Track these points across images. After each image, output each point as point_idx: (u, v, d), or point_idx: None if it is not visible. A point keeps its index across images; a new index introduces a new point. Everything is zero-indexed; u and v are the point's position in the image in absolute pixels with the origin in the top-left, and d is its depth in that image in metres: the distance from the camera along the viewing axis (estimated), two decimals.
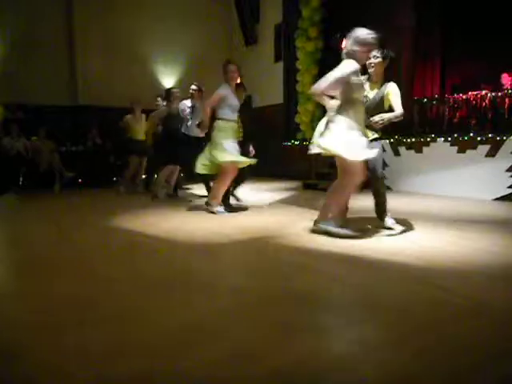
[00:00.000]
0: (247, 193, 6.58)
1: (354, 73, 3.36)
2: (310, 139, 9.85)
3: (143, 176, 7.98)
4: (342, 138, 3.36)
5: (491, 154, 6.14)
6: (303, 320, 2.02)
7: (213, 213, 4.90)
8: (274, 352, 1.72)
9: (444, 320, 2.03)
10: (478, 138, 6.28)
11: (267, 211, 5.28)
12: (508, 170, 5.95)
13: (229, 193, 5.38)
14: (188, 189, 7.85)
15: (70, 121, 9.83)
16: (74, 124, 9.87)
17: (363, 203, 4.63)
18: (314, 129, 10.34)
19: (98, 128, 9.49)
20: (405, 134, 7.18)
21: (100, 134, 9.52)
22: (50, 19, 9.76)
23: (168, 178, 6.57)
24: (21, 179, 8.23)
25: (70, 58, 10.09)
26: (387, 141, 7.26)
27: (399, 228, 3.87)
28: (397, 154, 7.41)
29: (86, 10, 9.93)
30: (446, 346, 1.77)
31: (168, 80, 11.22)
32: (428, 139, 6.92)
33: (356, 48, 3.35)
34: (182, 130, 6.27)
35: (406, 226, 4.08)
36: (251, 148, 5.87)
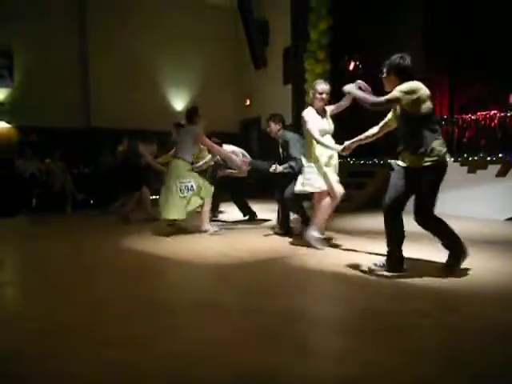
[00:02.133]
0: (257, 212, 6.57)
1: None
2: None
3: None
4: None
5: (502, 173, 6.10)
6: (314, 342, 2.00)
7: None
8: (284, 374, 1.71)
9: (452, 342, 1.99)
10: (488, 158, 6.26)
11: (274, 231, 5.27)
12: None
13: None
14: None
15: (83, 143, 10.00)
16: (86, 146, 10.03)
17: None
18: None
19: (110, 150, 9.62)
20: None
21: (112, 155, 9.65)
22: (64, 44, 10.05)
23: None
24: (34, 201, 8.34)
25: (83, 82, 10.33)
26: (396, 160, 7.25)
27: None
28: None
29: (99, 34, 10.20)
30: (452, 370, 1.74)
31: (179, 103, 11.41)
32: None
33: None
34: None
35: (417, 245, 4.04)
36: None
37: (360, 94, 3.19)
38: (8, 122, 9.49)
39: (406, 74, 3.05)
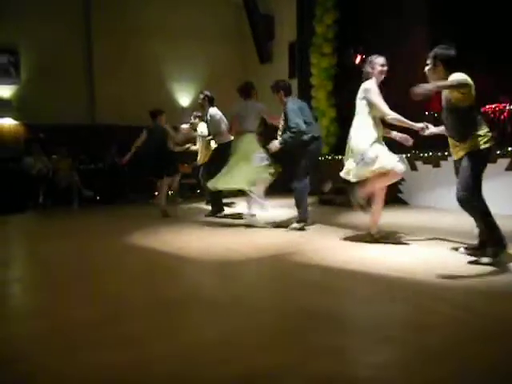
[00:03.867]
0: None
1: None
2: (326, 154, 9.71)
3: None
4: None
5: (511, 167, 6.01)
6: (321, 341, 1.98)
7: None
8: (290, 375, 1.68)
9: (465, 341, 1.96)
10: (498, 152, 6.17)
11: (281, 228, 5.24)
12: None
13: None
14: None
15: (89, 139, 10.01)
16: (92, 142, 10.05)
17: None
18: (329, 144, 10.27)
19: (116, 146, 9.63)
20: (422, 148, 7.10)
21: (119, 152, 9.66)
22: (70, 41, 10.05)
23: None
24: (41, 197, 8.39)
25: (88, 78, 10.33)
26: (403, 155, 7.19)
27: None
28: (414, 168, 7.32)
29: (104, 31, 10.19)
30: (466, 368, 1.70)
31: (184, 98, 11.38)
32: (446, 153, 6.82)
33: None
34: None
35: (426, 241, 4.00)
36: None
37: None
38: (15, 119, 9.54)
39: (454, 65, 3.12)
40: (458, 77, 3.06)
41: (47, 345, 2.02)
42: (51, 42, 9.70)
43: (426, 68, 3.28)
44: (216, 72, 11.41)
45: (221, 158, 5.67)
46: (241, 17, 11.63)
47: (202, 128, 7.24)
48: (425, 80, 3.24)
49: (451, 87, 3.08)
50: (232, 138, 5.77)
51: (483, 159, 3.19)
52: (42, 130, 9.19)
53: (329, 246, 4.01)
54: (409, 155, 7.29)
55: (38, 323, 2.33)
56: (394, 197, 7.32)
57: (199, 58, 11.27)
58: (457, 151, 3.28)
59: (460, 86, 3.04)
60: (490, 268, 3.07)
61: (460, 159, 3.26)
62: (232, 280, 3.16)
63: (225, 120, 6.23)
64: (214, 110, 6.35)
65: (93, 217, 7.36)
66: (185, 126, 7.20)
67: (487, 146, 3.14)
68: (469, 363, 1.72)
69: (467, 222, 3.42)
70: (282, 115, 4.96)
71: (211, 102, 6.45)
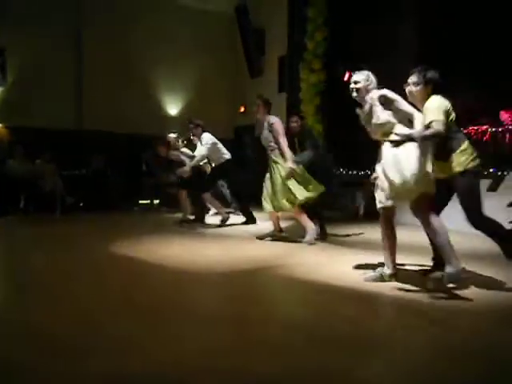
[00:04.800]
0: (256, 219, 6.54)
1: None
2: None
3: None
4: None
5: (492, 188, 6.13)
6: (307, 358, 1.96)
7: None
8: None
9: (439, 359, 1.97)
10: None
11: (272, 239, 5.22)
12: (509, 205, 5.92)
13: None
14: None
15: (75, 145, 9.91)
16: (78, 148, 9.94)
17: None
18: None
19: (101, 153, 9.54)
20: None
21: (104, 159, 9.57)
22: (58, 45, 9.97)
23: None
24: (22, 202, 8.23)
25: (76, 84, 10.26)
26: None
27: None
28: None
29: (94, 36, 10.15)
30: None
31: (173, 108, 11.38)
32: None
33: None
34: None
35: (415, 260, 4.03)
36: None
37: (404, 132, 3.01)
38: None
39: (439, 89, 3.15)
40: (434, 103, 3.05)
41: (24, 354, 1.96)
42: (39, 44, 9.61)
43: (413, 87, 3.21)
44: (205, 84, 11.45)
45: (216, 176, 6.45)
46: (232, 30, 11.74)
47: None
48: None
49: (431, 136, 2.96)
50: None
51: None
52: (27, 133, 9.06)
53: (316, 260, 4.01)
54: None
55: (12, 332, 2.26)
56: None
57: (189, 69, 11.31)
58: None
59: (437, 135, 2.96)
60: (476, 286, 3.10)
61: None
62: (219, 292, 3.13)
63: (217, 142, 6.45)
64: (208, 136, 6.43)
65: (75, 224, 7.25)
66: (172, 136, 7.16)
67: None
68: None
69: (458, 242, 3.46)
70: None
71: (203, 128, 6.54)
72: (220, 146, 6.44)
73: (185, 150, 7.12)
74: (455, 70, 7.28)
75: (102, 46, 10.18)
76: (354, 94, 3.27)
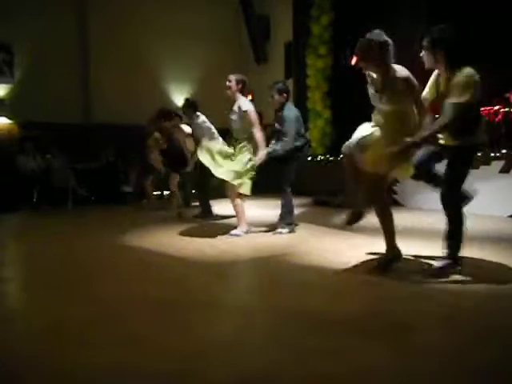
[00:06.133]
0: (256, 210, 6.55)
1: None
2: (321, 155, 9.69)
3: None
4: None
5: (505, 170, 6.05)
6: (316, 342, 1.97)
7: None
8: (285, 376, 1.68)
9: (457, 341, 1.96)
10: (492, 154, 6.19)
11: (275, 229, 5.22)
12: (502, 171, 5.84)
13: None
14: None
15: (84, 138, 9.97)
16: (87, 141, 10.00)
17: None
18: (324, 145, 10.26)
19: (112, 145, 9.58)
20: None
21: (114, 151, 9.62)
22: (65, 39, 9.98)
23: None
24: (35, 196, 8.33)
25: (83, 77, 10.28)
26: None
27: None
28: None
29: (100, 29, 10.13)
30: (459, 369, 1.70)
31: (179, 98, 11.35)
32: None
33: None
34: None
35: (422, 244, 4.00)
36: None
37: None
38: (9, 118, 9.46)
39: (456, 56, 2.87)
40: (462, 78, 2.75)
41: (37, 345, 2.00)
42: (46, 40, 9.62)
43: (424, 51, 2.96)
44: (211, 72, 11.38)
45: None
46: (237, 17, 11.62)
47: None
48: (422, 82, 3.13)
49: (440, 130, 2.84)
50: None
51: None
52: (36, 128, 9.12)
53: (322, 248, 4.01)
54: None
55: (28, 323, 2.30)
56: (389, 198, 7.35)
57: (195, 57, 11.25)
58: None
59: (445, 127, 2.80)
60: (487, 265, 3.07)
61: None
62: (227, 282, 3.14)
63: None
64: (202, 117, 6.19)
65: (87, 217, 7.32)
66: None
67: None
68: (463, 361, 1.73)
69: (469, 224, 3.42)
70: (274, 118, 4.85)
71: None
72: (214, 131, 6.08)
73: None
74: (466, 49, 7.15)
75: (107, 39, 10.16)
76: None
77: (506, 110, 6.29)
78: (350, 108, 8.42)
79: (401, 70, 2.91)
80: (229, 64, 11.81)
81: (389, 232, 3.06)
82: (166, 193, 8.70)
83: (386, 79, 2.91)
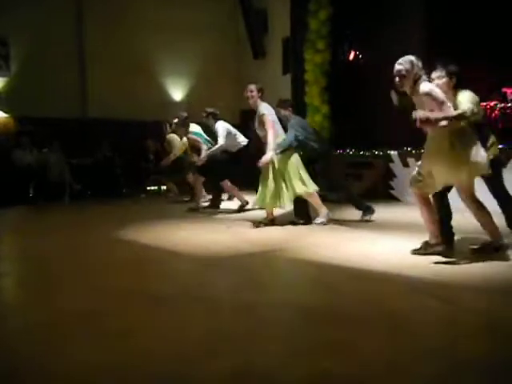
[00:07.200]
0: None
1: None
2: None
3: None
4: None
5: (503, 163, 6.06)
6: (313, 337, 1.98)
7: None
8: (282, 371, 1.68)
9: (456, 337, 1.98)
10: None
11: (277, 223, 5.24)
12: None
13: None
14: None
15: (80, 133, 9.93)
16: (84, 136, 9.96)
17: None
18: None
19: (108, 141, 9.55)
20: (414, 145, 7.13)
21: (110, 146, 9.59)
22: (62, 33, 9.92)
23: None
24: (31, 191, 8.30)
25: (80, 72, 10.22)
26: (396, 152, 7.21)
27: None
28: (406, 165, 7.35)
29: (96, 24, 10.07)
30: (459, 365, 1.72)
31: (177, 93, 11.32)
32: None
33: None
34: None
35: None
36: None
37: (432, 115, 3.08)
38: (5, 112, 9.41)
39: (459, 80, 3.41)
40: (467, 96, 3.26)
41: (33, 341, 2.00)
42: (42, 34, 9.56)
43: (439, 81, 3.38)
44: (209, 67, 11.35)
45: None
46: (234, 11, 11.56)
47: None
48: None
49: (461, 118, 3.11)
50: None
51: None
52: (32, 123, 9.08)
53: (321, 243, 4.02)
54: (400, 152, 7.32)
55: (24, 318, 2.30)
56: (386, 193, 7.35)
57: (192, 51, 11.20)
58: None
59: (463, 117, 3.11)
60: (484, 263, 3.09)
61: None
62: (226, 276, 3.15)
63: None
64: (221, 126, 6.45)
65: (84, 211, 7.31)
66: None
67: None
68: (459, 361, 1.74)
69: (468, 219, 3.44)
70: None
71: (215, 116, 6.60)
72: (235, 132, 6.52)
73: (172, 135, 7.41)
74: (465, 48, 7.15)
75: (104, 33, 10.10)
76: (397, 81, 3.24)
77: (503, 105, 6.32)
78: (347, 103, 8.44)
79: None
80: (226, 58, 11.78)
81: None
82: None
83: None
